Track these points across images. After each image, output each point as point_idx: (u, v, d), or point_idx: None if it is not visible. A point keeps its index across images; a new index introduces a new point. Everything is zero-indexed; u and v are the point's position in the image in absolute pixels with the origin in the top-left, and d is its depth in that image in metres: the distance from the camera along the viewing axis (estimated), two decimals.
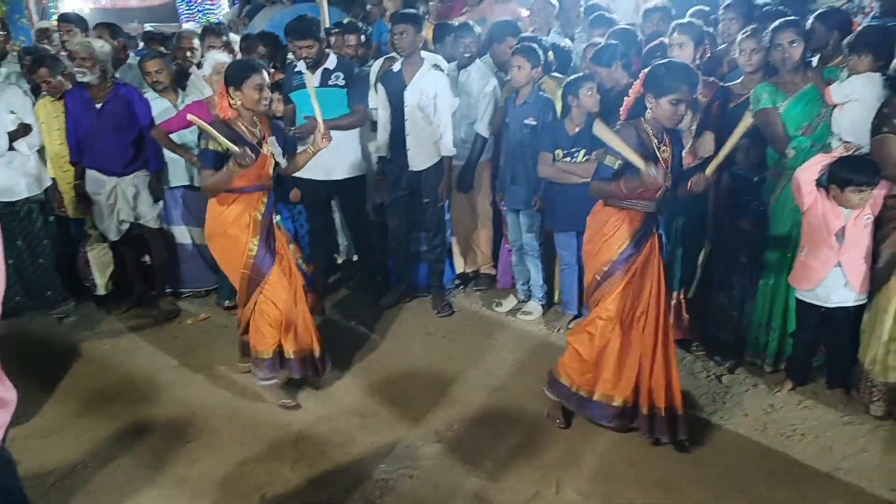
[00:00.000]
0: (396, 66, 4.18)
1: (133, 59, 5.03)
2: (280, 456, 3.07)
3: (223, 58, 4.09)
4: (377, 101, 4.30)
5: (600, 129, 2.74)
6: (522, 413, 3.29)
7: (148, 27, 10.23)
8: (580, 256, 3.98)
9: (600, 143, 3.70)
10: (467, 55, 4.41)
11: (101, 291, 4.59)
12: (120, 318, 4.54)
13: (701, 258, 3.72)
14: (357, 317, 4.43)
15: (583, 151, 3.76)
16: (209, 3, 12.25)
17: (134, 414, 3.41)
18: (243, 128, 3.21)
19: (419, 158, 4.20)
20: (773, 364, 3.50)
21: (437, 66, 4.21)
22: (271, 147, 3.31)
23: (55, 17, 8.64)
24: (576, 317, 4.13)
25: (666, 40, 3.81)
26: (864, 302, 3.15)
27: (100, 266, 4.49)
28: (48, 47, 4.96)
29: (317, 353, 3.43)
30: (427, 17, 6.80)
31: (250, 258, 3.25)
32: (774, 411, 3.27)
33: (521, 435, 3.14)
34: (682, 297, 3.77)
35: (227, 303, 4.47)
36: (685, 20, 3.77)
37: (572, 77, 3.79)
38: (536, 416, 3.26)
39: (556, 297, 4.36)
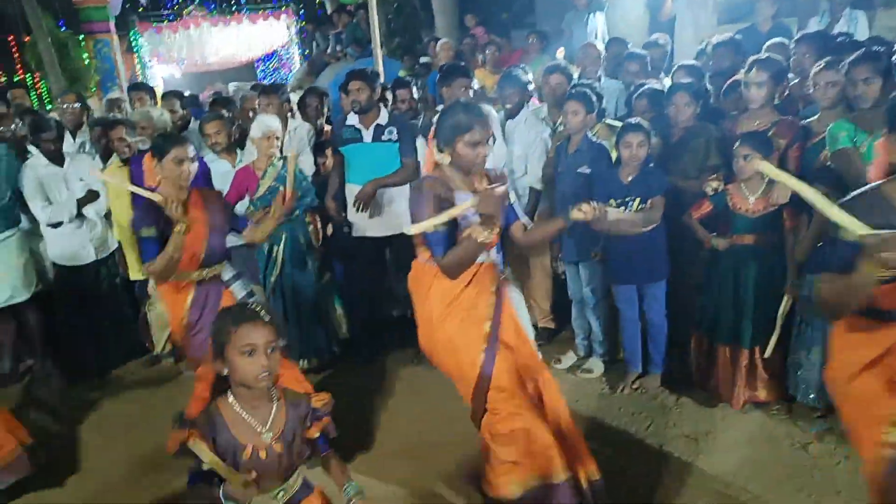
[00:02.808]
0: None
1: (194, 123, 5.18)
2: None
3: (271, 122, 4.10)
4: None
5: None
6: None
7: (232, 86, 10.78)
8: (643, 310, 3.73)
9: (656, 191, 3.49)
10: (508, 105, 4.23)
11: (158, 350, 4.65)
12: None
13: (780, 311, 3.37)
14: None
15: (637, 200, 3.52)
16: (281, 64, 12.93)
17: None
18: None
19: None
20: None
21: None
22: None
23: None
24: (640, 375, 3.84)
25: (741, 77, 3.56)
26: None
27: (159, 326, 4.55)
28: (118, 115, 5.18)
29: None
30: (485, 65, 6.82)
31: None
32: None
33: None
34: (757, 355, 3.43)
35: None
36: (763, 55, 3.50)
37: (623, 124, 3.58)
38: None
39: (619, 354, 4.06)
